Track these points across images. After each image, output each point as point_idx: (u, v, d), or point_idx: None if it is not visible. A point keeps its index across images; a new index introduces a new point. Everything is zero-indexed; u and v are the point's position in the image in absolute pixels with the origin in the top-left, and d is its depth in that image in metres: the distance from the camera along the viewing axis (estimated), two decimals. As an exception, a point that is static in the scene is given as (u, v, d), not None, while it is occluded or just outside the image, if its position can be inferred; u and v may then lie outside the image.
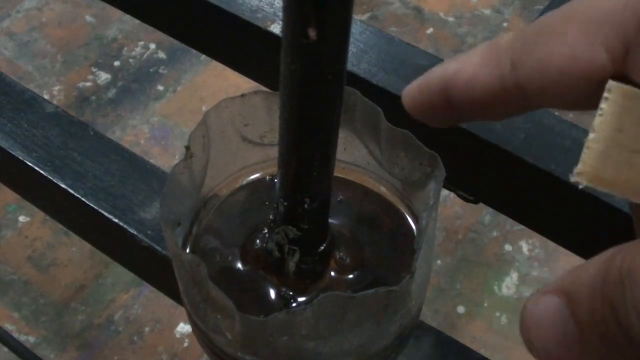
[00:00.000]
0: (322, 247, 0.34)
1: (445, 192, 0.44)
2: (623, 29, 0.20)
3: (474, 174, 0.50)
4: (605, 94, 0.20)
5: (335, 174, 0.32)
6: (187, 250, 0.36)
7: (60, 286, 1.11)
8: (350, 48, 0.28)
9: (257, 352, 0.31)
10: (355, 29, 0.52)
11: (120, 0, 0.63)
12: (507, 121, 0.47)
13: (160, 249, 0.42)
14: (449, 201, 1.20)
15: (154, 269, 0.44)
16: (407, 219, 0.37)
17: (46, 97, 1.30)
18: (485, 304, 1.10)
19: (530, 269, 1.14)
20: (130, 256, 0.46)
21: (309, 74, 0.27)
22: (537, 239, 1.16)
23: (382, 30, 0.54)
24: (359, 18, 0.53)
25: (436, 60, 0.51)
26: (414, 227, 0.37)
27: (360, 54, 0.50)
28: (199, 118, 0.35)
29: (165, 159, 1.25)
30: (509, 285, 1.12)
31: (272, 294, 0.34)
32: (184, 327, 1.06)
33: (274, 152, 0.33)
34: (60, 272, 1.12)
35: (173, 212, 0.34)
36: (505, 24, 1.47)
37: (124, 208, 0.43)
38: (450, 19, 1.49)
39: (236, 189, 0.39)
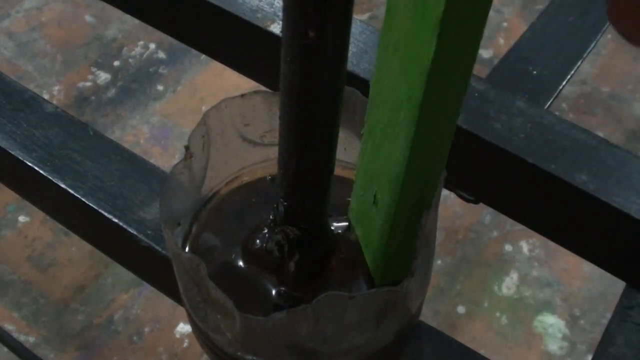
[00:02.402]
0: (322, 247, 0.34)
1: (445, 192, 0.44)
2: None
3: (474, 174, 0.50)
4: None
5: (335, 174, 0.32)
6: (187, 250, 0.36)
7: (60, 286, 1.11)
8: (350, 48, 0.28)
9: (257, 352, 0.31)
10: (355, 29, 0.52)
11: (120, 0, 0.63)
12: (507, 121, 0.47)
13: (160, 249, 0.42)
14: (449, 201, 1.20)
15: (154, 269, 0.44)
16: (407, 219, 0.37)
17: (46, 97, 1.30)
18: (485, 304, 1.10)
19: (530, 269, 1.14)
20: (130, 256, 0.46)
21: (309, 74, 0.27)
22: (537, 239, 1.16)
23: (382, 30, 0.53)
24: (359, 18, 0.53)
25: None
26: (414, 227, 0.37)
27: (360, 54, 0.50)
28: (199, 118, 0.35)
29: (165, 159, 1.25)
30: (509, 285, 1.12)
31: (272, 293, 0.34)
32: (184, 327, 1.06)
33: (274, 152, 0.33)
34: (60, 272, 1.12)
35: (173, 212, 0.34)
36: (505, 24, 1.47)
37: (124, 208, 0.43)
38: (450, 19, 1.48)
39: (236, 189, 0.39)
